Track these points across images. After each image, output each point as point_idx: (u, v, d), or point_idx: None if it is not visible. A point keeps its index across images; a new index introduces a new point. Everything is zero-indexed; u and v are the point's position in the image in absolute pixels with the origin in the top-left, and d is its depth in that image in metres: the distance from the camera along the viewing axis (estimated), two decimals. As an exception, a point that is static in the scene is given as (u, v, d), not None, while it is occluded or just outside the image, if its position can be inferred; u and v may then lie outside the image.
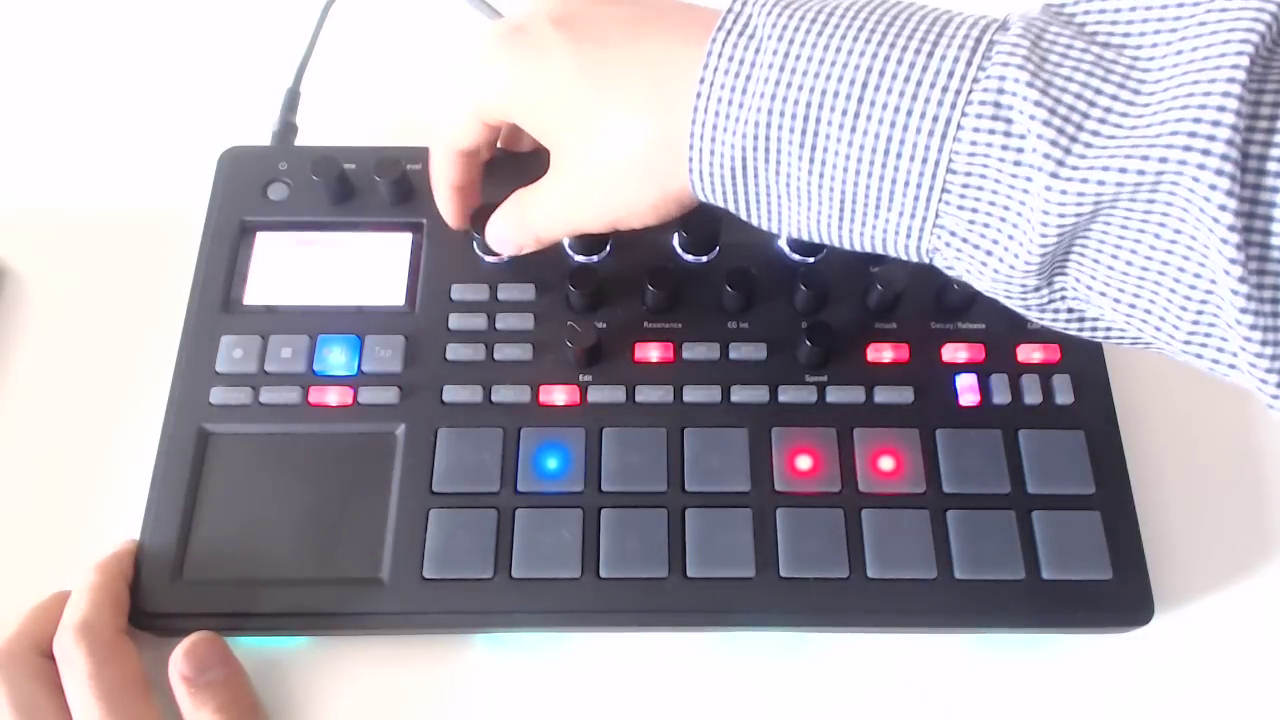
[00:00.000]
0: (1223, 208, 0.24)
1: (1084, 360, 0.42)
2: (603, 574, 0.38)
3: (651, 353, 0.42)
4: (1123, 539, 0.38)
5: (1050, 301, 0.30)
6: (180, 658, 0.35)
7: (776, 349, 0.42)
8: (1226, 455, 0.43)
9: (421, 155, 0.44)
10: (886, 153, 0.28)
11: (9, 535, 0.41)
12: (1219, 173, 0.24)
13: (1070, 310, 0.30)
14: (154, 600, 0.37)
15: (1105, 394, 0.41)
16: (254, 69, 0.52)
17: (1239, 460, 0.43)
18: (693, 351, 0.42)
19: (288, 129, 0.48)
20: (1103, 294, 0.28)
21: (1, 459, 0.42)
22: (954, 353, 0.42)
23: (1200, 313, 0.27)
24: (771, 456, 0.40)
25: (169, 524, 0.38)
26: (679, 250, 0.44)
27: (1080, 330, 0.31)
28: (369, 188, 0.45)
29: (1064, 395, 0.41)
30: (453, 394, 0.41)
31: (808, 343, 0.40)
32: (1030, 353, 0.42)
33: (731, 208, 0.32)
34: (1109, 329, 0.31)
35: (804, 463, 0.39)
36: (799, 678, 0.39)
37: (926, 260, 0.31)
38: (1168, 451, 0.43)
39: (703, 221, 0.42)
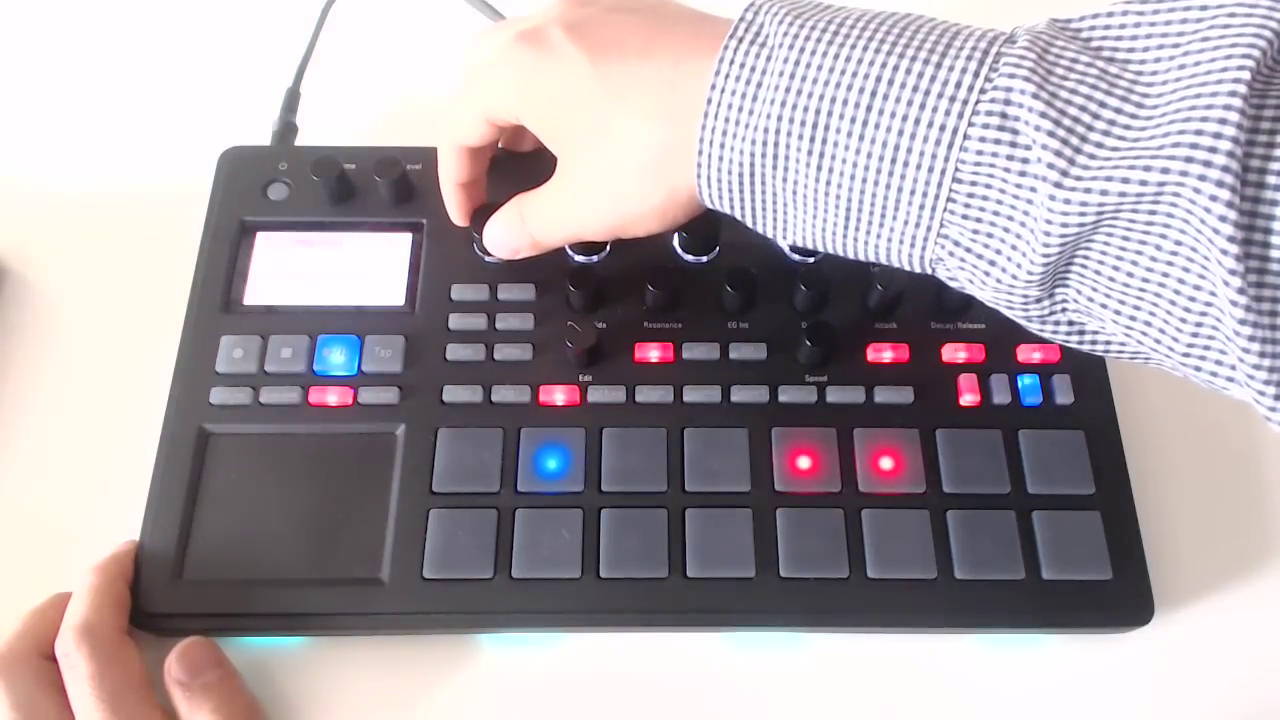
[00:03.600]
0: (1223, 219, 0.24)
1: (1084, 360, 0.41)
2: (603, 574, 0.38)
3: (651, 353, 0.42)
4: (1123, 539, 0.38)
5: (1051, 313, 0.30)
6: (173, 662, 0.36)
7: (776, 349, 0.42)
8: (1226, 455, 0.43)
9: (421, 155, 0.45)
10: (894, 161, 0.28)
11: (9, 535, 0.41)
12: (1219, 185, 0.24)
13: (1071, 323, 0.31)
14: (154, 600, 0.37)
15: (1105, 394, 0.41)
16: (254, 69, 0.52)
17: (1239, 460, 0.43)
18: (693, 351, 0.42)
19: (288, 129, 0.48)
20: (1103, 305, 0.29)
21: (1, 459, 0.42)
22: (954, 353, 0.42)
23: (1200, 324, 0.27)
24: (771, 456, 0.39)
25: (169, 524, 0.38)
26: (679, 250, 0.44)
27: (1080, 343, 0.31)
28: (369, 188, 0.45)
29: (1064, 395, 0.41)
30: (453, 394, 0.41)
31: (808, 343, 0.40)
32: (1030, 353, 0.42)
33: (738, 214, 0.33)
34: (1109, 342, 0.31)
35: (804, 463, 0.39)
36: (799, 678, 0.39)
37: (929, 270, 0.31)
38: (1168, 451, 0.43)
39: (703, 221, 0.42)
